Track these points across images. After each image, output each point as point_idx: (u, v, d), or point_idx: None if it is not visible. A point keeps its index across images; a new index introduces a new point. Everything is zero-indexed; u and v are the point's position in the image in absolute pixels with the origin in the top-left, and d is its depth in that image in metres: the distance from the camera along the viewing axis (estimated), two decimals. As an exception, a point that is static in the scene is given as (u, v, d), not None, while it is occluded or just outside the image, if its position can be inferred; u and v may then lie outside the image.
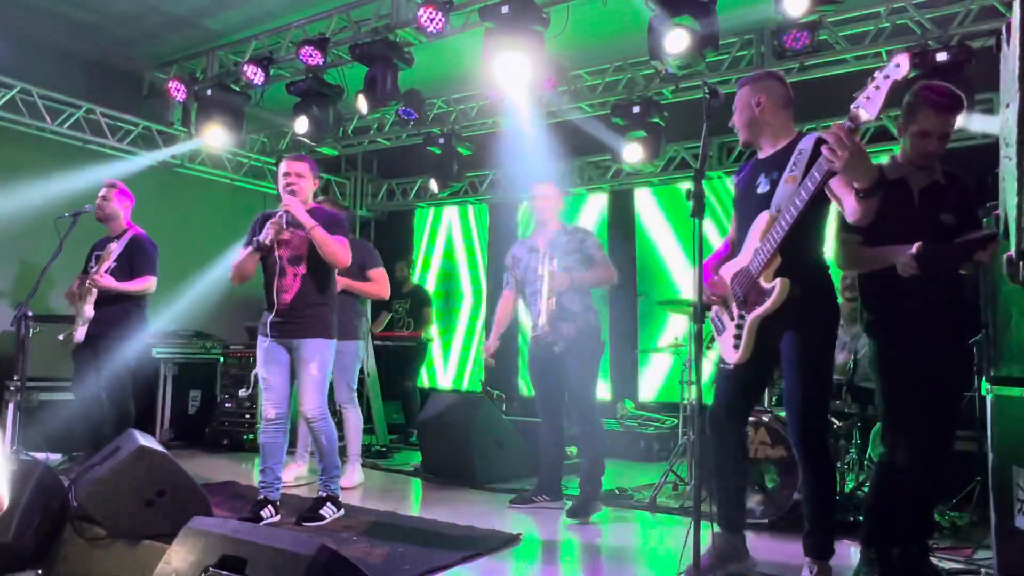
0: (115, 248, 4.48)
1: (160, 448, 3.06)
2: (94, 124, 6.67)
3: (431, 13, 5.04)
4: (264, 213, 3.87)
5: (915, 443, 2.69)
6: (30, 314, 4.24)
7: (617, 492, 4.64)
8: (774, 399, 4.36)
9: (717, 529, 2.85)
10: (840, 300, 3.00)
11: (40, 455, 4.48)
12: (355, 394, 4.95)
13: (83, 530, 2.89)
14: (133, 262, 4.54)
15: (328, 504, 3.79)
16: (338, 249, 3.70)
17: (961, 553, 3.30)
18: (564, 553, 3.48)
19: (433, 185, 7.37)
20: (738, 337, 2.80)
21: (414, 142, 7.53)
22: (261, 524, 3.49)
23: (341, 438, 4.25)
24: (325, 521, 3.72)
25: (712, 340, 3.00)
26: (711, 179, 6.90)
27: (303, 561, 1.91)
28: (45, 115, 6.29)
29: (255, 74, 6.06)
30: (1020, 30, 2.11)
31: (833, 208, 2.71)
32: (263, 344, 3.76)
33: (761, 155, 2.93)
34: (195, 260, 6.94)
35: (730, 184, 3.97)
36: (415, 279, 7.76)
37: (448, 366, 8.61)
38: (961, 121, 2.84)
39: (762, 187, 2.83)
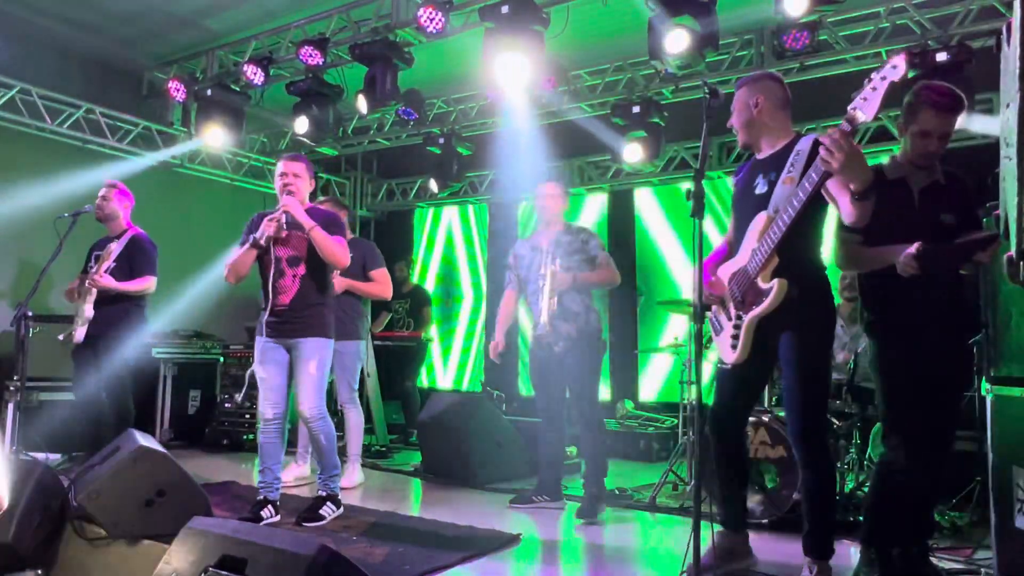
0: (115, 248, 4.48)
1: (160, 448, 3.06)
2: (94, 124, 6.66)
3: (431, 13, 5.03)
4: (260, 213, 3.86)
5: (915, 443, 2.69)
6: (30, 314, 4.23)
7: (617, 492, 4.64)
8: (774, 399, 4.36)
9: (719, 528, 2.85)
10: (839, 300, 3.01)
11: (40, 455, 4.48)
12: (356, 394, 4.95)
13: (83, 530, 2.89)
14: (133, 262, 4.54)
15: (328, 503, 3.79)
16: (337, 250, 3.70)
17: (961, 553, 3.30)
18: (564, 553, 3.48)
19: (433, 185, 7.36)
20: (736, 337, 2.81)
21: (414, 142, 7.53)
22: (261, 524, 3.49)
23: (340, 437, 4.25)
24: (325, 521, 3.72)
25: (710, 340, 3.01)
26: (711, 179, 6.90)
27: (303, 561, 1.91)
28: (45, 115, 6.28)
29: (255, 74, 6.06)
30: (1020, 30, 2.11)
31: (831, 209, 2.72)
32: (260, 344, 3.76)
33: (759, 156, 2.93)
34: (195, 260, 6.92)
35: (730, 184, 3.97)
36: (415, 279, 7.76)
37: (448, 366, 8.61)
38: (961, 121, 2.84)
39: (760, 188, 2.83)
